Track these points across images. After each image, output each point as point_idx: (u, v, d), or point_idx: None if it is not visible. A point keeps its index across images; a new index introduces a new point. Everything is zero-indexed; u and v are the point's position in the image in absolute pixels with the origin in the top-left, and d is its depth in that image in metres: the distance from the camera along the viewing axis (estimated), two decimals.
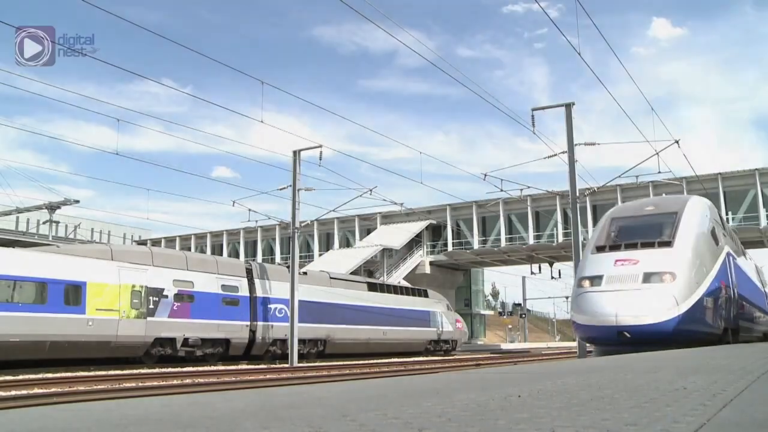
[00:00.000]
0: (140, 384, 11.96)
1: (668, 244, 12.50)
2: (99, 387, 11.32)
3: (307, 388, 2.99)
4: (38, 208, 37.42)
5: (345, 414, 1.93)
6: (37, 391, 10.42)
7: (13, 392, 10.08)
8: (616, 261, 12.32)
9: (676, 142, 17.65)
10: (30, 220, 46.28)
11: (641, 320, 11.08)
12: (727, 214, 32.57)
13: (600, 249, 13.16)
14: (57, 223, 38.72)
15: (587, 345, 15.50)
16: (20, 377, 13.07)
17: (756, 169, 34.49)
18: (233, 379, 13.68)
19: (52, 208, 36.27)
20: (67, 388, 10.95)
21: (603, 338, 12.06)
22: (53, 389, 10.71)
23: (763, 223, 33.59)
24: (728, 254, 15.26)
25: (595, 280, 12.17)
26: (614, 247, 12.99)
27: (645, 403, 2.19)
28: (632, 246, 12.71)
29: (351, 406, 2.17)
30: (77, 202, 37.19)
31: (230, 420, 1.87)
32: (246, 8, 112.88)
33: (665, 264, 11.96)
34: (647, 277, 11.70)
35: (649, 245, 12.57)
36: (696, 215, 13.68)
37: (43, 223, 39.41)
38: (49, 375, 14.09)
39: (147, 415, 2.02)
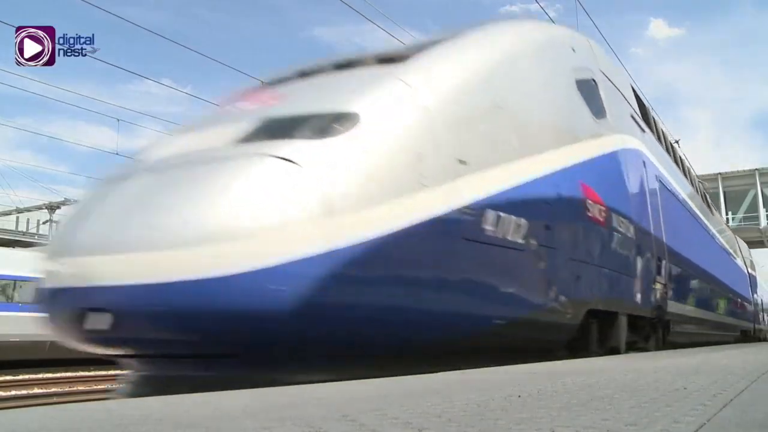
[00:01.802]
0: None
1: (395, 59, 4.79)
2: (99, 387, 11.32)
3: (307, 388, 2.99)
4: (38, 208, 37.46)
5: (345, 414, 1.93)
6: (37, 391, 10.44)
7: (13, 392, 10.10)
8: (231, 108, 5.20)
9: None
10: (30, 220, 46.20)
11: (159, 269, 3.19)
12: (727, 214, 32.56)
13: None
14: (57, 223, 38.70)
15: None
16: (20, 377, 13.07)
17: (756, 169, 34.50)
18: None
19: (52, 208, 36.28)
20: (67, 388, 10.96)
21: (64, 330, 3.90)
22: (53, 389, 10.72)
23: (763, 223, 33.58)
24: (640, 157, 7.98)
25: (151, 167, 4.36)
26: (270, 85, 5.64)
27: (645, 403, 2.19)
28: (306, 75, 5.30)
29: (351, 406, 2.17)
30: (77, 202, 37.19)
31: (230, 420, 1.87)
32: (246, 8, 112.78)
33: (339, 94, 4.40)
34: (263, 134, 3.92)
35: (346, 67, 5.11)
36: (526, 38, 6.02)
37: (43, 223, 39.36)
38: (49, 375, 14.09)
39: (147, 415, 2.02)
